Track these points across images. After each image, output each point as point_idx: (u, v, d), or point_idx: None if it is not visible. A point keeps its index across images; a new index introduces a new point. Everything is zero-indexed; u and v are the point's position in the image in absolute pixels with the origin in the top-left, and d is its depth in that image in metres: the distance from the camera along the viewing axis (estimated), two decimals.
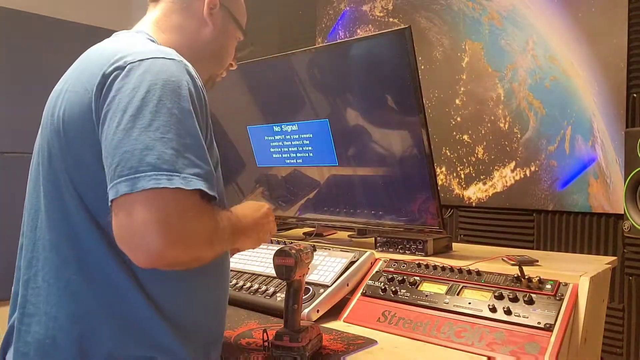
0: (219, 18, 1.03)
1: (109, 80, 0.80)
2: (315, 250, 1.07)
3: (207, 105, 0.87)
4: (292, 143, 1.77)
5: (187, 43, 1.00)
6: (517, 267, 1.19)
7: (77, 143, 0.83)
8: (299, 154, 1.76)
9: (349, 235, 1.80)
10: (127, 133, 0.74)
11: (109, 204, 0.74)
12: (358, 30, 2.55)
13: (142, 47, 0.87)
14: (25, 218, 1.00)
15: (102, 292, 0.83)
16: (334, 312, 1.29)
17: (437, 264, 1.31)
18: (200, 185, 0.75)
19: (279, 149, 1.81)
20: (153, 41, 0.95)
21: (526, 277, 1.16)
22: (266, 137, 1.83)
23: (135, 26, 1.03)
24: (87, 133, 0.81)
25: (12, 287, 0.97)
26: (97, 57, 0.87)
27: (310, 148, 1.72)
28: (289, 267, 0.96)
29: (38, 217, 0.91)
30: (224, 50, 1.07)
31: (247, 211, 0.98)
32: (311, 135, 1.70)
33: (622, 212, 1.46)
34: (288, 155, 1.79)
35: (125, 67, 0.80)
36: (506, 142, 2.08)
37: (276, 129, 1.79)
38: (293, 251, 0.97)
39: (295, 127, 1.74)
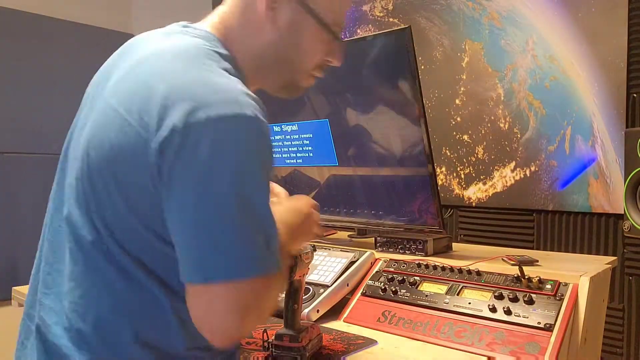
0: (286, 14, 0.84)
1: (173, 138, 0.69)
2: (315, 250, 1.06)
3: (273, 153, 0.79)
4: (292, 143, 1.77)
5: (247, 48, 0.86)
6: (517, 267, 1.19)
7: (126, 185, 0.75)
8: (299, 154, 1.76)
9: (349, 235, 1.80)
10: (202, 222, 0.69)
11: (183, 280, 0.72)
12: (358, 30, 2.55)
13: (209, 87, 0.73)
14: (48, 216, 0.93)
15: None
16: (334, 312, 1.29)
17: (437, 264, 1.31)
18: (276, 268, 0.74)
19: (279, 149, 1.81)
20: (218, 52, 0.81)
21: (526, 277, 1.16)
22: None
23: (205, 19, 0.90)
24: (142, 183, 0.73)
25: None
26: (151, 78, 0.75)
27: (310, 148, 1.72)
28: (289, 267, 0.96)
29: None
30: (295, 52, 0.88)
31: (289, 218, 0.90)
32: (311, 135, 1.71)
33: (622, 212, 1.46)
34: (288, 155, 1.79)
35: (192, 125, 0.69)
36: (506, 142, 2.08)
37: (276, 129, 1.79)
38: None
39: (295, 127, 1.74)
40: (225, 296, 0.69)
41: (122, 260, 0.77)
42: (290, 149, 1.78)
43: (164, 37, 0.85)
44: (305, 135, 1.72)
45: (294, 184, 1.84)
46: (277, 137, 1.80)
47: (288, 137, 1.77)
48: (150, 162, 0.71)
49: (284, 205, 0.94)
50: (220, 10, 0.89)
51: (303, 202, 0.98)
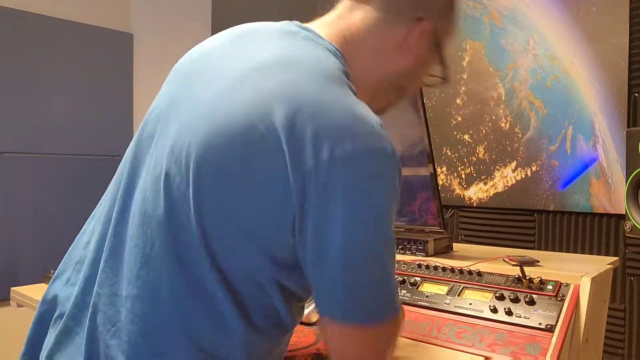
0: (422, 47, 0.80)
1: (307, 169, 0.64)
2: None
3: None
4: None
5: (371, 71, 0.81)
6: (518, 267, 1.18)
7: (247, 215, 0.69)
8: None
9: None
10: (339, 264, 0.66)
11: (318, 309, 0.72)
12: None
13: (339, 111, 0.66)
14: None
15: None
16: None
17: (437, 264, 1.30)
18: (398, 311, 0.73)
19: None
20: (346, 72, 0.75)
21: (527, 277, 1.15)
22: None
23: (321, 22, 0.83)
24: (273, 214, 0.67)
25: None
26: (275, 86, 0.68)
27: None
28: None
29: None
30: (414, 82, 0.88)
31: None
32: None
33: (624, 212, 1.45)
34: None
35: (326, 156, 0.63)
36: (507, 142, 2.08)
37: None
38: None
39: None
40: (360, 338, 0.70)
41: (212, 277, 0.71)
42: None
43: (285, 39, 0.78)
44: None
45: None
46: None
47: None
48: (279, 185, 0.65)
49: None
50: (343, 20, 0.81)
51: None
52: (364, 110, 0.69)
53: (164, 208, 0.71)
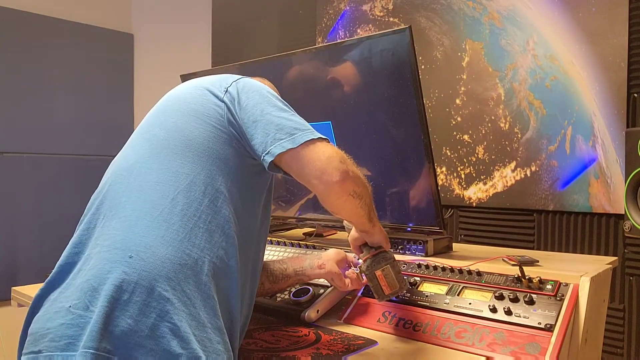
0: None
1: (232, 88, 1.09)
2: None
3: None
4: None
5: None
6: (518, 267, 1.19)
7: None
8: None
9: None
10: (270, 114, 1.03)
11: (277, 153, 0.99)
12: (358, 30, 2.55)
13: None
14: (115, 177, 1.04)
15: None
16: (334, 312, 1.28)
17: (437, 264, 1.30)
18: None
19: None
20: None
21: (527, 277, 1.16)
22: None
23: None
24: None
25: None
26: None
27: None
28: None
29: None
30: None
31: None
32: None
33: (623, 212, 1.46)
34: None
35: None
36: (507, 142, 2.08)
37: None
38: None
39: None
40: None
41: None
42: None
43: None
44: None
45: (294, 184, 1.84)
46: None
47: None
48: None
49: None
50: None
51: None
52: None
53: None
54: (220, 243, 0.94)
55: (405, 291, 1.23)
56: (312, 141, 1.00)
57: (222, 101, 1.05)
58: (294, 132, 1.00)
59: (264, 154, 0.99)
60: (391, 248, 1.48)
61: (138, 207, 0.93)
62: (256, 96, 1.05)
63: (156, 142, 1.01)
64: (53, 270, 0.95)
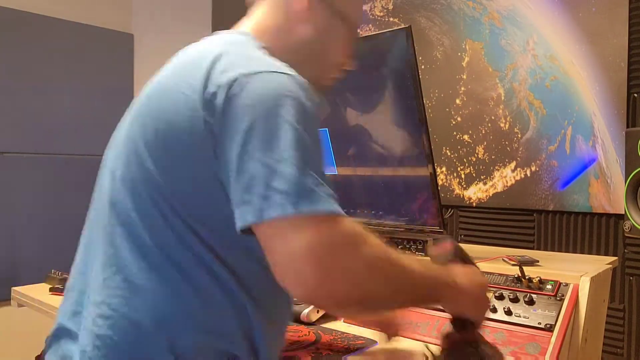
0: (320, 14, 0.90)
1: (222, 92, 0.72)
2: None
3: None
4: None
5: (282, 44, 0.89)
6: (518, 267, 1.18)
7: (180, 155, 0.75)
8: None
9: None
10: (251, 155, 0.68)
11: (241, 226, 0.68)
12: (358, 30, 2.54)
13: (252, 56, 0.79)
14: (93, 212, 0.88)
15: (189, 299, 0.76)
16: None
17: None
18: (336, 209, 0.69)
19: None
20: (255, 44, 0.86)
21: (527, 277, 1.15)
22: None
23: (236, 27, 0.96)
24: (196, 146, 0.74)
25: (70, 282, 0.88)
26: (200, 58, 0.79)
27: None
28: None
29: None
30: (327, 51, 0.94)
31: (458, 270, 0.83)
32: None
33: (623, 212, 1.46)
34: None
35: (237, 79, 0.72)
36: (506, 142, 2.08)
37: None
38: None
39: None
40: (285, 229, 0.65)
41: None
42: None
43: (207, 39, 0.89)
44: None
45: None
46: None
47: None
48: (202, 119, 0.73)
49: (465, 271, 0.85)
50: (254, 14, 0.94)
51: (481, 276, 0.88)
52: (270, 59, 0.79)
53: None
54: None
55: None
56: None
57: None
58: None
59: None
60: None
61: None
62: None
63: None
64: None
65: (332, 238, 0.65)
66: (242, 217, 0.67)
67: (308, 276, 0.64)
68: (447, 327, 0.82)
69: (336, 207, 0.68)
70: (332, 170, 1.71)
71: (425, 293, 0.77)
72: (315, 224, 0.65)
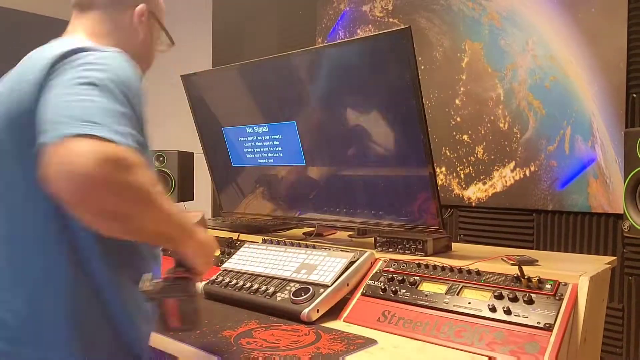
0: (147, 25, 1.14)
1: (60, 62, 0.86)
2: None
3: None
4: (264, 144, 1.83)
5: (125, 47, 1.04)
6: (517, 267, 1.19)
7: (30, 134, 0.83)
8: (270, 154, 1.81)
9: (349, 235, 1.80)
10: (64, 96, 0.80)
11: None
12: (358, 31, 2.55)
13: (90, 44, 0.95)
14: None
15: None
16: (334, 312, 1.29)
17: (437, 263, 1.31)
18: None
19: (252, 150, 1.81)
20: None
21: (526, 277, 1.16)
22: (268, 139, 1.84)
23: (65, 35, 1.07)
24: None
25: None
26: (43, 53, 0.91)
27: (280, 148, 1.73)
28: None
29: None
30: (152, 52, 1.21)
31: (200, 229, 0.99)
32: (280, 136, 1.71)
33: (622, 212, 1.46)
34: (260, 155, 1.79)
35: (78, 52, 0.88)
36: (506, 142, 2.09)
37: (248, 130, 1.79)
38: None
39: (265, 129, 1.78)
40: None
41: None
42: (261, 149, 1.83)
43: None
44: (275, 137, 1.79)
45: (294, 184, 1.84)
46: (250, 138, 1.86)
47: (259, 138, 1.82)
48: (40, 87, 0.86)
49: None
50: (85, 23, 1.08)
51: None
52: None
53: None
54: None
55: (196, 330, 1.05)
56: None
57: None
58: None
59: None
60: (390, 248, 1.48)
61: None
62: None
63: None
64: None
65: (107, 155, 0.74)
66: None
67: (76, 179, 0.72)
68: (174, 267, 0.99)
69: (120, 138, 0.77)
70: (333, 169, 1.71)
71: (171, 231, 0.90)
72: (98, 141, 0.74)
